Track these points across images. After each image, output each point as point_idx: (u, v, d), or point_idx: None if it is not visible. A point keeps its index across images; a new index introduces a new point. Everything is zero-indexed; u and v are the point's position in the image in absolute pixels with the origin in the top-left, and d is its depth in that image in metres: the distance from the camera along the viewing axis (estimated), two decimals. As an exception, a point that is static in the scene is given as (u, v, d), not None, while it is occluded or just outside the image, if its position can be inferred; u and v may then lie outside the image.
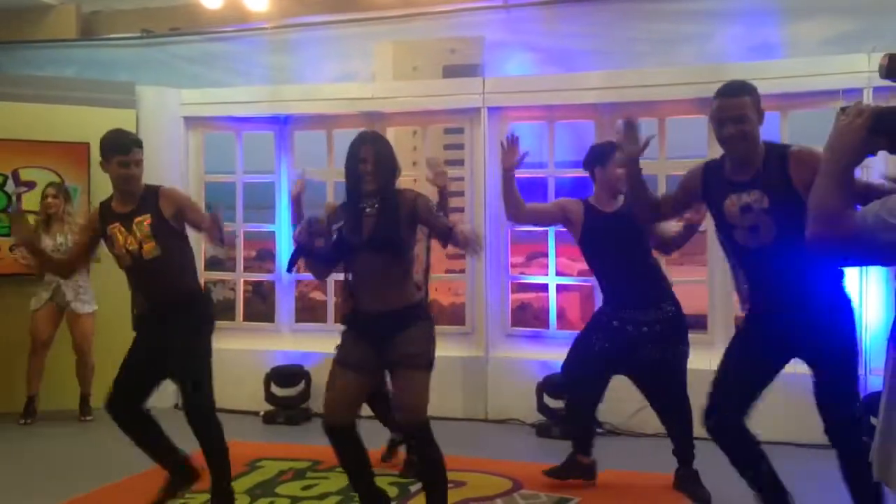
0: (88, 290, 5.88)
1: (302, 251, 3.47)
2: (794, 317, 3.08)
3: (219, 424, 3.79)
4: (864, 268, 5.17)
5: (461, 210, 6.20)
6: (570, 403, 4.47)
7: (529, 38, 6.53)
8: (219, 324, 6.56)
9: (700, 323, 5.60)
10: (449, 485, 4.29)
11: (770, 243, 3.05)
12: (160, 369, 3.82)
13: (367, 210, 3.35)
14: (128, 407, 3.78)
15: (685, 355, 4.20)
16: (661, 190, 5.65)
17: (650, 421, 4.64)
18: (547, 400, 5.49)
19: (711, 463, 4.83)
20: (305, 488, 4.31)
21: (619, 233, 4.12)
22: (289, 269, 3.63)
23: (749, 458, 3.24)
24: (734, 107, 3.08)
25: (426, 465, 3.43)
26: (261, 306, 8.07)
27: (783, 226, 3.02)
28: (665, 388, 4.22)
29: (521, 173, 6.09)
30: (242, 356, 6.22)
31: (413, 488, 4.26)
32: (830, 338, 3.08)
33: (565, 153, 5.98)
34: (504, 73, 6.38)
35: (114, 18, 7.67)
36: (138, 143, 3.79)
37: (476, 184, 6.03)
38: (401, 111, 6.26)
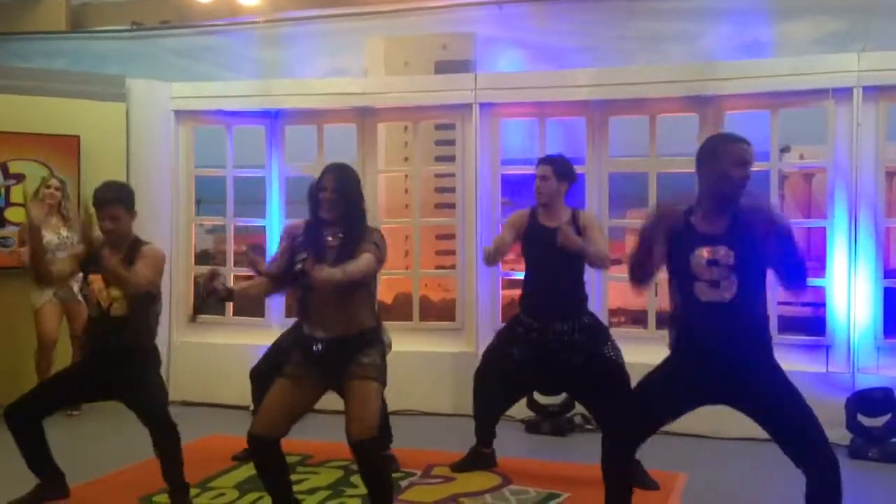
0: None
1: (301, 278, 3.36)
2: (725, 371, 3.08)
3: (177, 434, 3.87)
4: (853, 265, 5.21)
5: (451, 206, 6.20)
6: (481, 405, 4.53)
7: (521, 35, 6.55)
8: (208, 318, 6.65)
9: (641, 318, 5.68)
10: (438, 480, 4.34)
11: (728, 300, 3.05)
12: (89, 397, 3.99)
13: (330, 240, 3.33)
14: (30, 417, 3.82)
15: (613, 357, 4.25)
16: (652, 188, 5.68)
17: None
18: (536, 396, 5.51)
19: (713, 464, 4.86)
20: (295, 483, 4.26)
21: (551, 248, 4.14)
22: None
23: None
24: (752, 153, 3.12)
25: (378, 477, 3.31)
26: (251, 301, 8.05)
27: (744, 282, 3.05)
28: (600, 389, 4.24)
29: (511, 170, 6.15)
30: (232, 351, 6.21)
31: (404, 483, 4.27)
32: (766, 381, 3.10)
33: (556, 150, 5.96)
34: (495, 70, 6.39)
35: (103, 11, 7.64)
36: (120, 199, 3.76)
37: (467, 180, 6.03)
38: (392, 106, 6.25)
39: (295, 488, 3.81)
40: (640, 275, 3.27)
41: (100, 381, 3.84)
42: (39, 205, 3.87)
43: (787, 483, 4.37)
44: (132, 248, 3.80)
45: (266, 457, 3.33)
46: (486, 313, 6.00)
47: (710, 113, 5.54)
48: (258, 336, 6.39)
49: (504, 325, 4.59)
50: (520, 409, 5.59)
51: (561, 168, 4.33)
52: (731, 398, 3.16)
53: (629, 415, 3.27)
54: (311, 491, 4.15)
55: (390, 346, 3.52)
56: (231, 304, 6.60)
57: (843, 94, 5.22)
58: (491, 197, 6.02)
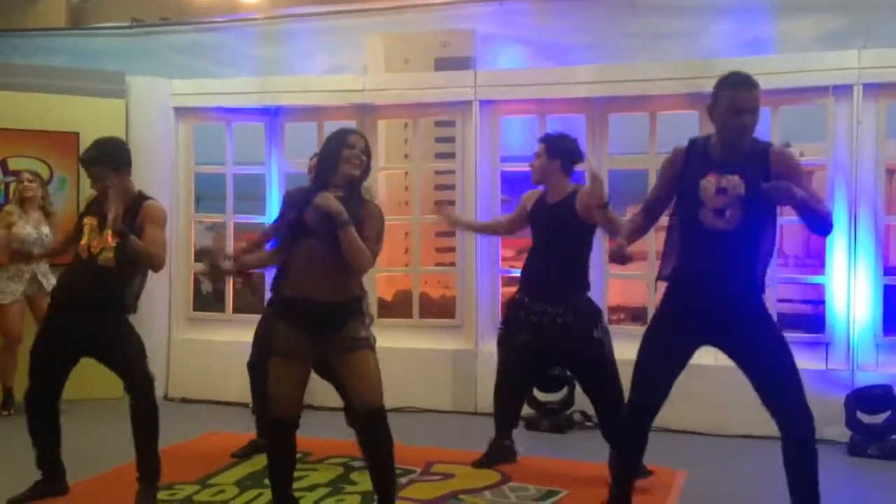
0: (50, 274, 5.74)
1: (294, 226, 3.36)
2: (717, 299, 3.12)
3: (155, 405, 3.82)
4: (853, 262, 5.21)
5: (451, 203, 6.19)
6: (499, 395, 4.54)
7: (521, 32, 6.55)
8: (208, 315, 6.65)
9: (641, 315, 5.68)
10: (437, 477, 4.34)
11: (731, 229, 3.08)
12: (73, 357, 3.84)
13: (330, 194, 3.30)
14: (46, 400, 3.83)
15: (601, 342, 4.22)
16: (652, 185, 5.66)
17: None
18: (536, 393, 5.51)
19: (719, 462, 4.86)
20: (294, 479, 4.27)
21: (551, 224, 4.22)
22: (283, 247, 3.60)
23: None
24: (754, 98, 3.10)
25: (384, 448, 3.31)
26: (250, 298, 8.05)
27: (749, 216, 3.08)
28: (590, 376, 4.27)
29: (511, 167, 6.15)
30: (232, 348, 6.19)
31: (403, 480, 4.27)
32: (755, 324, 3.14)
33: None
34: (496, 67, 6.39)
35: (103, 8, 7.64)
36: (102, 160, 3.76)
37: (467, 177, 6.03)
38: (392, 104, 6.24)
39: (294, 485, 3.81)
40: (637, 235, 3.36)
41: (72, 326, 3.72)
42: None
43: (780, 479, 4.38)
44: (134, 204, 3.77)
45: (287, 438, 3.37)
46: (485, 310, 5.99)
47: (710, 110, 5.53)
48: (258, 333, 6.39)
49: (507, 310, 4.57)
50: (519, 407, 5.61)
51: (553, 145, 4.33)
52: (719, 334, 3.17)
53: (641, 387, 3.24)
54: (311, 488, 4.14)
55: (372, 321, 3.44)
56: (230, 302, 6.61)
57: (843, 91, 5.22)
58: (491, 194, 6.01)
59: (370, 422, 3.27)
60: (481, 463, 4.49)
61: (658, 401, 3.23)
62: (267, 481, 4.22)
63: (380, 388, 3.28)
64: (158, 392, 5.55)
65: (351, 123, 6.28)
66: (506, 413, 4.57)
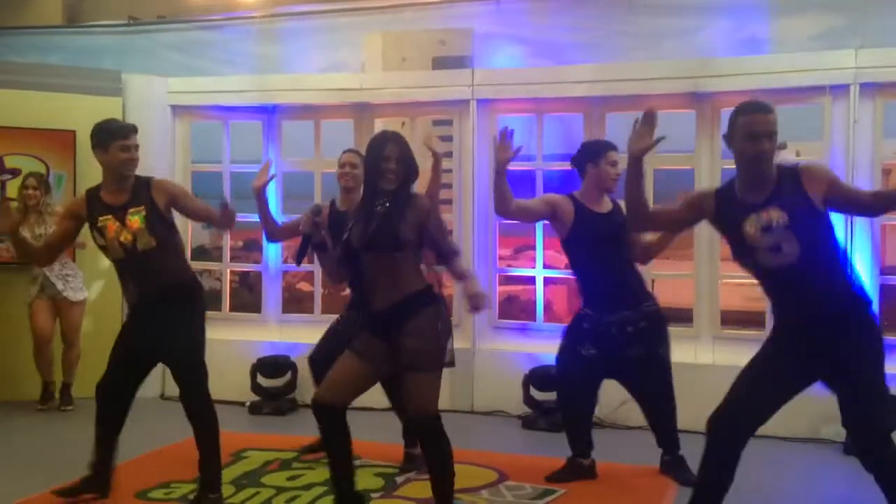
0: (78, 277, 5.85)
1: (309, 242, 3.49)
2: (822, 332, 3.03)
3: (215, 414, 3.79)
4: (849, 262, 5.21)
5: (449, 202, 6.19)
6: (567, 412, 4.44)
7: (519, 31, 6.55)
8: (205, 314, 6.63)
9: (686, 316, 5.64)
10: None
11: (796, 261, 2.98)
12: (150, 360, 3.85)
13: (378, 209, 3.35)
14: (117, 397, 3.80)
15: (668, 350, 4.23)
16: (649, 184, 5.67)
17: (634, 413, 4.67)
18: (533, 392, 5.52)
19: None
20: (291, 478, 4.30)
21: (609, 234, 4.13)
22: (298, 263, 3.64)
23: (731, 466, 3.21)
24: (770, 123, 3.03)
25: (439, 456, 3.40)
26: (247, 297, 8.05)
27: (806, 240, 2.98)
28: (652, 384, 4.23)
29: (510, 166, 6.13)
30: (229, 346, 6.19)
31: (399, 479, 4.27)
32: (858, 346, 3.03)
33: (554, 146, 5.99)
34: (493, 66, 6.38)
35: (99, 5, 7.63)
36: (135, 129, 3.82)
37: (464, 176, 6.03)
38: (389, 102, 6.24)
39: (291, 484, 3.82)
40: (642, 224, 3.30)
41: (148, 327, 3.73)
42: (3, 210, 3.78)
43: (788, 481, 4.39)
44: (141, 183, 3.79)
45: (332, 425, 3.39)
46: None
47: (707, 109, 5.54)
48: (255, 332, 6.40)
49: (570, 322, 4.46)
50: (516, 406, 5.61)
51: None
52: (833, 367, 3.06)
53: (732, 410, 3.13)
54: (307, 486, 4.14)
55: (443, 304, 3.46)
56: (227, 300, 6.61)
57: (840, 90, 5.22)
58: (488, 193, 6.00)
59: (422, 430, 3.40)
60: (556, 478, 4.30)
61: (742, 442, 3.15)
62: (263, 480, 4.25)
63: (427, 406, 3.31)
64: (155, 391, 5.59)
65: (348, 122, 6.29)
66: (575, 424, 4.41)
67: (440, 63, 6.87)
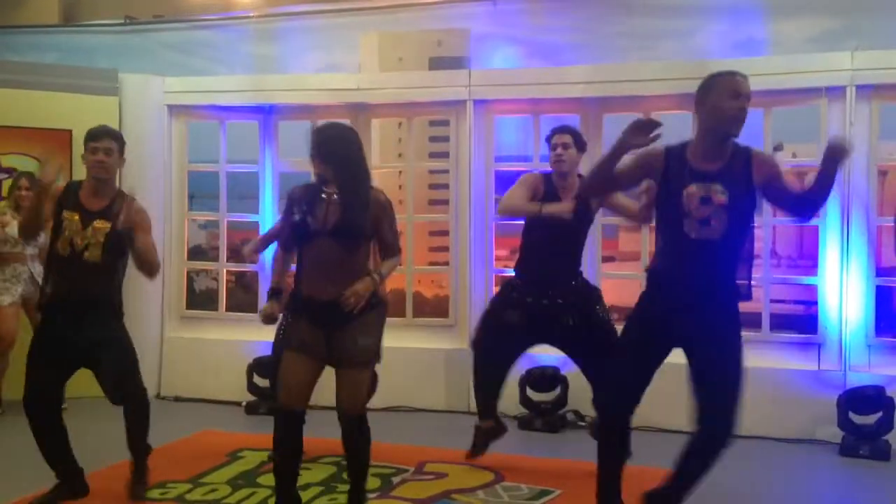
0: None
1: (299, 229, 3.44)
2: (696, 304, 3.14)
3: (148, 406, 3.87)
4: (845, 263, 5.22)
5: (445, 202, 6.20)
6: (482, 374, 4.54)
7: (515, 32, 6.55)
8: (201, 314, 6.64)
9: None
10: (430, 476, 4.34)
11: (717, 238, 3.10)
12: (72, 362, 3.81)
13: (324, 196, 3.38)
14: (46, 406, 3.77)
15: (603, 317, 4.32)
16: (645, 185, 5.67)
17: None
18: (530, 393, 5.52)
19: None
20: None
21: (560, 223, 4.21)
22: (290, 250, 3.66)
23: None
24: (749, 87, 3.12)
25: (360, 450, 3.54)
26: (243, 296, 8.04)
27: (733, 222, 3.10)
28: (593, 348, 4.27)
29: (504, 167, 6.15)
30: (225, 346, 6.20)
31: (395, 480, 4.27)
32: (718, 322, 3.16)
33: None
34: (490, 66, 6.39)
35: (96, 5, 7.62)
36: (113, 135, 3.79)
37: (461, 176, 6.03)
38: (386, 103, 6.24)
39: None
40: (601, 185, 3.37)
41: (68, 329, 3.70)
42: (53, 165, 3.82)
43: (785, 481, 4.39)
44: (117, 199, 3.76)
45: (292, 432, 3.45)
46: (479, 310, 5.96)
47: (703, 111, 5.54)
48: (250, 332, 6.37)
49: (498, 290, 4.62)
50: (513, 406, 5.61)
51: (579, 138, 4.37)
52: (689, 336, 3.18)
53: (618, 382, 3.31)
54: (303, 487, 4.13)
55: (386, 305, 3.60)
56: (223, 300, 6.60)
57: (836, 92, 5.23)
58: (485, 193, 6.01)
59: (346, 424, 3.47)
60: (472, 453, 4.48)
61: (630, 403, 3.29)
62: (259, 480, 4.24)
63: (358, 403, 3.47)
64: (151, 391, 5.53)
65: (344, 122, 6.28)
66: (487, 385, 4.56)
67: (437, 63, 6.89)
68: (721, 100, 3.10)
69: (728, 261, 3.17)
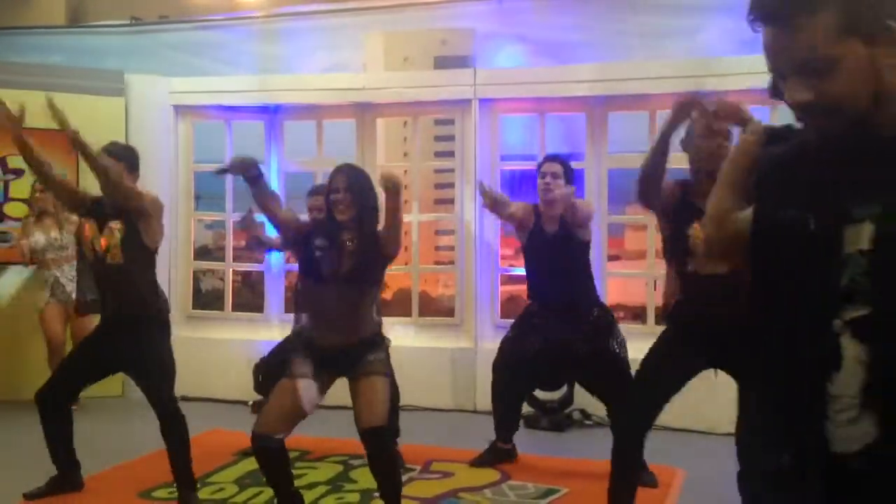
0: (86, 280, 5.80)
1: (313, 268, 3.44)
2: (717, 334, 3.12)
3: (183, 419, 3.86)
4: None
5: (451, 202, 6.20)
6: (502, 397, 4.56)
7: (521, 30, 6.53)
8: (208, 313, 6.65)
9: (640, 314, 5.71)
10: (437, 475, 4.35)
11: (726, 273, 3.02)
12: (104, 371, 3.99)
13: (349, 244, 3.33)
14: (59, 402, 3.87)
15: (618, 349, 4.31)
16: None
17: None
18: (536, 392, 5.51)
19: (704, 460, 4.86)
20: (294, 478, 4.29)
21: (563, 244, 4.27)
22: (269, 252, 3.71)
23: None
24: (724, 124, 3.15)
25: (387, 468, 3.36)
26: (250, 296, 8.06)
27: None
28: (605, 380, 4.29)
29: (510, 166, 6.15)
30: (231, 346, 6.21)
31: (403, 478, 4.26)
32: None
33: (556, 146, 5.98)
34: (495, 65, 6.38)
35: (102, 6, 7.62)
36: (112, 152, 4.12)
37: (466, 175, 6.03)
38: (391, 102, 6.24)
39: (295, 483, 3.80)
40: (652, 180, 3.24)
41: (110, 348, 3.83)
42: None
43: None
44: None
45: (268, 455, 3.35)
46: (485, 309, 6.00)
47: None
48: (257, 331, 6.40)
49: (520, 315, 4.61)
50: (519, 405, 5.61)
51: (570, 171, 4.36)
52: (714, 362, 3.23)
53: (635, 400, 3.33)
54: (311, 486, 4.15)
55: (389, 343, 3.55)
56: (230, 300, 6.62)
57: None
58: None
59: (367, 440, 3.29)
60: (479, 462, 4.51)
61: (650, 419, 3.34)
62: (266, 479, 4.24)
63: (379, 411, 3.30)
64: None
65: (350, 122, 6.29)
66: (505, 410, 4.59)
67: (442, 62, 6.88)
68: (699, 140, 3.12)
69: (739, 292, 3.12)
